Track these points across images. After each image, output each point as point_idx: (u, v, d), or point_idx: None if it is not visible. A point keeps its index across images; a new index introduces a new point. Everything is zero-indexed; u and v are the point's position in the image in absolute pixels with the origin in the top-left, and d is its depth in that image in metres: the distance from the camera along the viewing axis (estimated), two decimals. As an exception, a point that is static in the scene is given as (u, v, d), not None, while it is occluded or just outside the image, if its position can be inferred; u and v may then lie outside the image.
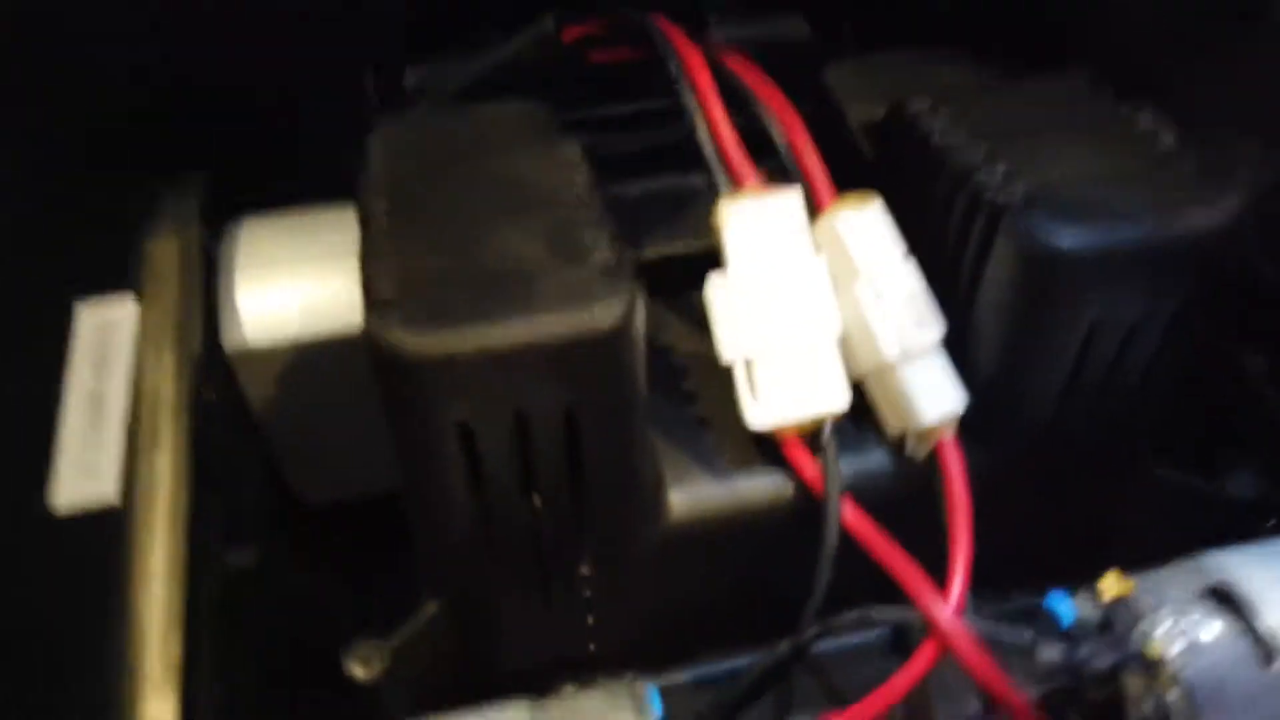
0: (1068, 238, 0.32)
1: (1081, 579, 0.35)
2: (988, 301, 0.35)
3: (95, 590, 0.31)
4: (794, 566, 0.36)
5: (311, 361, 0.40)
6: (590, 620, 0.39)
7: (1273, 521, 0.39)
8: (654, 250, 0.44)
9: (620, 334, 0.31)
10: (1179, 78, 0.36)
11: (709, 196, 0.38)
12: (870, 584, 0.35)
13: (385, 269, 0.32)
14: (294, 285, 0.40)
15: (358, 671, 0.35)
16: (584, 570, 0.38)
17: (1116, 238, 0.32)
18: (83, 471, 0.33)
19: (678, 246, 0.44)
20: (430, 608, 0.38)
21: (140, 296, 0.37)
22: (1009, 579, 0.38)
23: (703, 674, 0.37)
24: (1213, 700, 0.31)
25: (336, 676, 0.36)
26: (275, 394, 0.41)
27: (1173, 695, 0.31)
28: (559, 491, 0.34)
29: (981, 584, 0.35)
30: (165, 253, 0.39)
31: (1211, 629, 0.32)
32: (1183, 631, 0.32)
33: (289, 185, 0.43)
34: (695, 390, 0.41)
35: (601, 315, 0.30)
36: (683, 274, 0.41)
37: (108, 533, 0.32)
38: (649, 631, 0.40)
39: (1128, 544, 0.36)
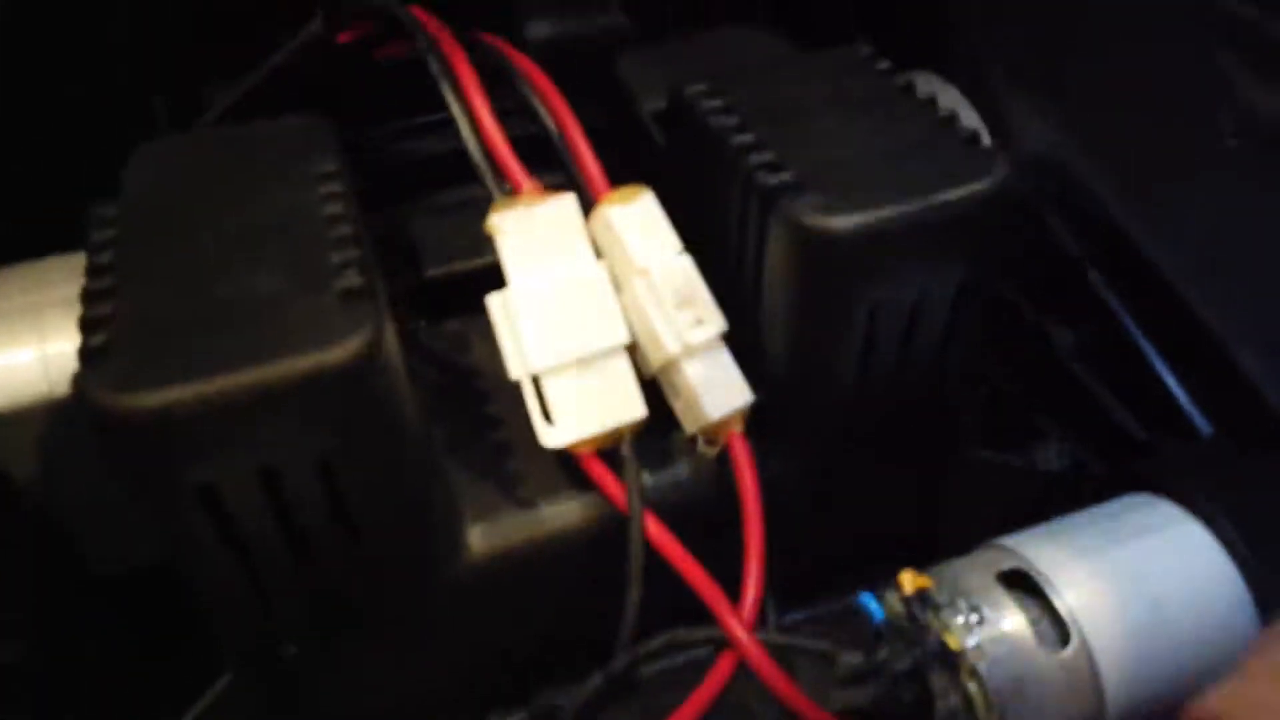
0: (836, 219, 0.31)
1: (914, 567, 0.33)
2: (771, 289, 0.34)
3: None
4: (608, 591, 0.34)
5: (69, 421, 0.36)
6: (398, 672, 0.36)
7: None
8: (456, 265, 0.41)
9: (366, 367, 0.28)
10: (958, 42, 0.35)
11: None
12: (693, 600, 0.33)
13: (101, 312, 0.28)
14: (36, 337, 0.35)
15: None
16: (383, 619, 0.35)
17: (883, 215, 0.31)
18: None
19: (477, 262, 0.41)
20: (224, 680, 0.34)
21: None
22: (840, 577, 0.36)
23: (522, 717, 0.35)
24: (1011, 689, 0.30)
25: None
26: (37, 462, 0.36)
27: (972, 687, 0.30)
28: (329, 546, 0.31)
29: (809, 585, 0.34)
30: None
31: (1009, 616, 0.31)
32: (980, 621, 0.31)
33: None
34: (499, 414, 0.38)
35: (341, 349, 0.27)
36: (485, 290, 0.38)
37: None
38: (463, 678, 0.37)
39: (951, 529, 0.35)
